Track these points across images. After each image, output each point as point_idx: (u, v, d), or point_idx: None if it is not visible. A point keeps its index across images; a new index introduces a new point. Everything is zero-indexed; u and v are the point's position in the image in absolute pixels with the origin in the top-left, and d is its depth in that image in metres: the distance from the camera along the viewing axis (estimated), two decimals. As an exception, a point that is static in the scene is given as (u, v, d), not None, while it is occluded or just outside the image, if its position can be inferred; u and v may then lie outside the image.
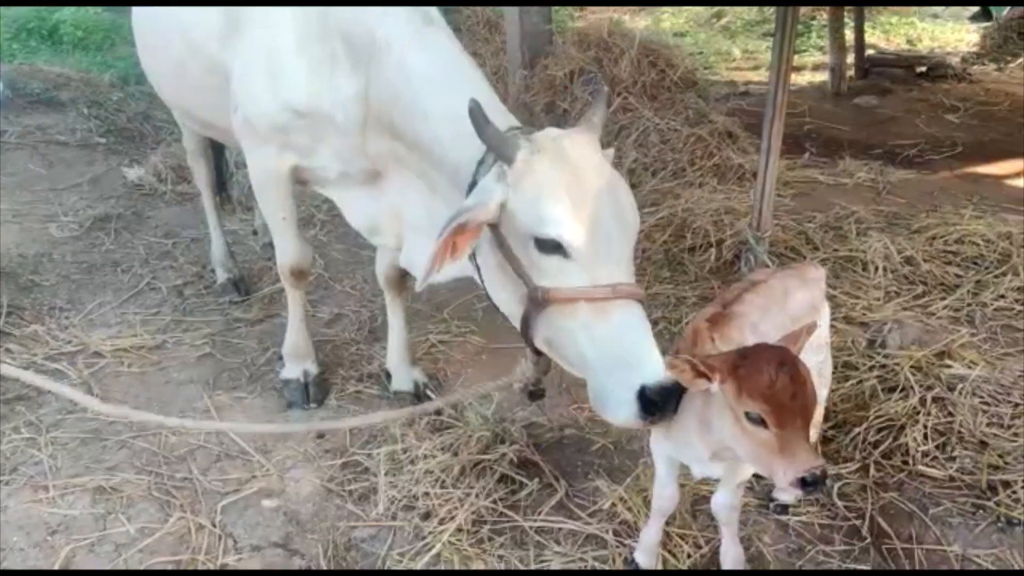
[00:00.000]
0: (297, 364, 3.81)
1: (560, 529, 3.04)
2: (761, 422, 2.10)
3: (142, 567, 2.87)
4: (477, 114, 2.41)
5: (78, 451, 3.43)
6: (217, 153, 4.97)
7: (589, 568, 2.87)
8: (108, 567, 2.88)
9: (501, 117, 2.66)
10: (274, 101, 3.02)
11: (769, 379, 2.08)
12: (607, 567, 2.86)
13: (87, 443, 3.48)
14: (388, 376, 3.87)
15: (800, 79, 9.78)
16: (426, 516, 3.08)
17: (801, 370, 2.12)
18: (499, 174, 2.46)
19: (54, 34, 9.99)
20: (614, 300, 2.36)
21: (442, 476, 3.18)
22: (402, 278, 3.68)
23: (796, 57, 11.39)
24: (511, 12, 7.18)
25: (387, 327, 4.28)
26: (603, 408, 2.41)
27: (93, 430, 3.56)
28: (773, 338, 2.46)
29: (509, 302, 2.59)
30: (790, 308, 2.78)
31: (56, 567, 2.86)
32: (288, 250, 3.52)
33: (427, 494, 3.13)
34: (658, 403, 2.29)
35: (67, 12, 10.21)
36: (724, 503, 2.71)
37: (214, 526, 3.06)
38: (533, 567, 2.89)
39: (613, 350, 2.36)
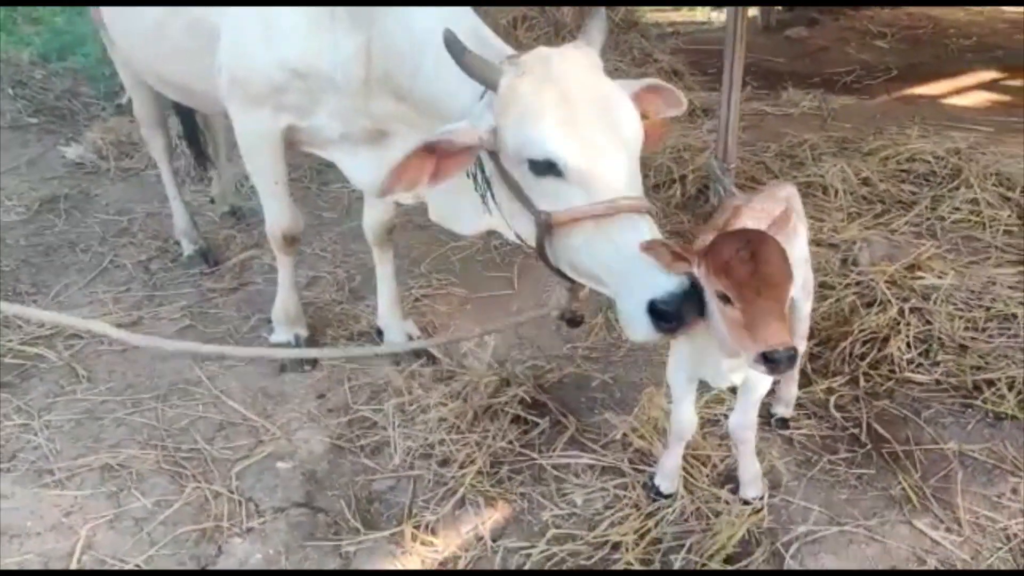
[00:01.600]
0: (288, 328, 3.77)
1: (577, 463, 3.11)
2: (727, 299, 2.19)
3: (167, 539, 2.84)
4: (452, 43, 2.37)
5: (75, 432, 3.35)
6: (189, 119, 4.84)
7: (611, 496, 2.95)
8: (132, 542, 2.84)
9: (500, 48, 2.63)
10: (270, 59, 2.95)
11: (729, 256, 2.18)
12: (629, 495, 2.93)
13: (83, 423, 3.41)
14: (379, 333, 3.86)
15: (723, 16, 9.87)
16: (444, 463, 3.11)
17: (767, 248, 2.20)
18: (488, 101, 2.43)
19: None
20: (616, 216, 2.31)
21: (456, 422, 3.21)
22: (389, 232, 3.66)
23: (717, -5, 11.55)
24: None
25: (367, 286, 4.30)
26: (625, 328, 2.39)
27: (86, 410, 3.48)
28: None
29: (527, 232, 2.55)
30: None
31: (79, 547, 2.81)
32: (280, 216, 3.47)
33: (443, 441, 3.16)
34: (671, 313, 2.26)
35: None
36: (740, 423, 2.81)
37: (232, 492, 3.04)
38: (557, 501, 2.95)
39: (619, 267, 2.33)
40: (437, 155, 2.43)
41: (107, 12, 3.78)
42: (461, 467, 3.06)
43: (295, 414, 3.45)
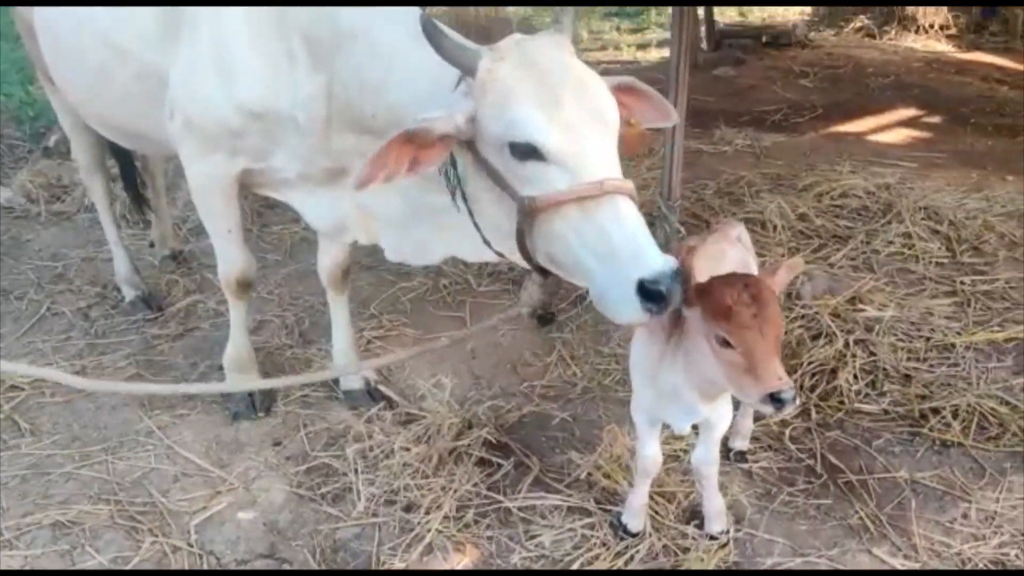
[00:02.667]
0: (240, 376, 3.70)
1: (543, 504, 3.11)
2: (727, 343, 2.24)
3: (127, 597, 2.76)
4: (431, 28, 2.36)
5: (22, 489, 3.24)
6: (127, 162, 4.74)
7: (579, 536, 2.96)
8: (89, 603, 2.75)
9: (469, 44, 2.57)
10: (227, 102, 2.92)
11: (731, 300, 2.23)
12: (597, 535, 2.95)
13: (28, 480, 3.29)
14: (335, 378, 3.82)
15: (648, 56, 10.14)
16: (408, 508, 3.09)
17: (764, 293, 2.26)
18: (465, 89, 2.42)
19: None
20: (602, 197, 2.29)
21: (421, 467, 3.18)
22: (344, 274, 3.63)
23: (639, 35, 11.80)
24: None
25: (317, 329, 4.27)
26: (607, 309, 2.34)
27: (31, 465, 3.36)
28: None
29: (502, 226, 2.50)
30: (725, 268, 2.93)
31: (33, 610, 2.71)
32: (234, 261, 3.42)
33: (407, 487, 3.13)
34: (660, 293, 2.23)
35: None
36: (703, 459, 2.86)
37: (191, 546, 2.97)
38: (525, 543, 2.95)
39: (606, 248, 2.30)
40: (415, 145, 2.39)
41: (49, 56, 3.69)
42: (427, 512, 3.04)
43: (252, 463, 3.38)
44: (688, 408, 2.60)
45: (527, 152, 2.31)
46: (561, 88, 2.33)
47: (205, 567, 2.88)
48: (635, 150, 2.73)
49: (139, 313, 4.52)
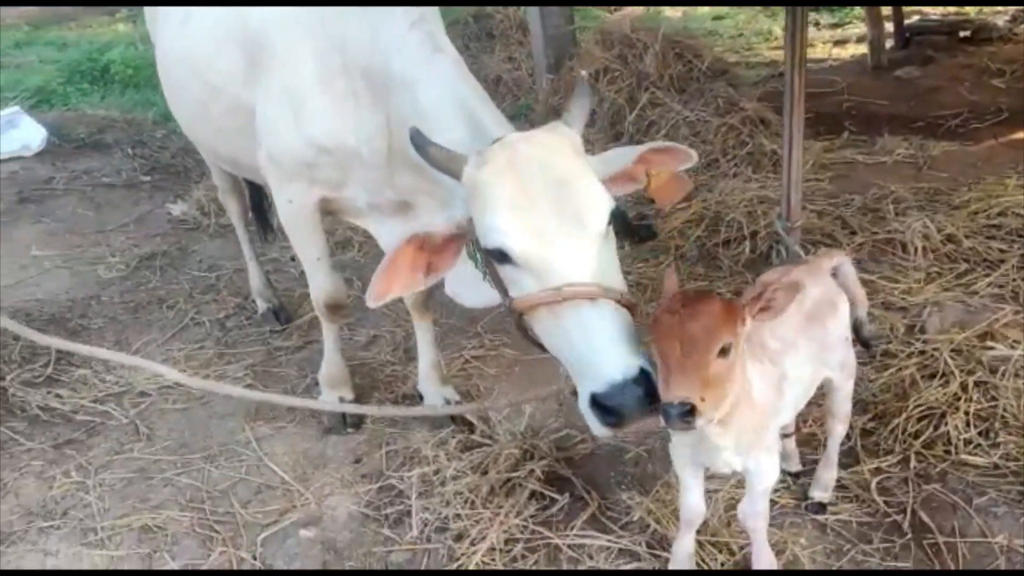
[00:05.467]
0: (333, 391, 3.87)
1: (593, 544, 3.03)
2: None
3: (186, 604, 2.95)
4: (418, 138, 2.43)
5: (125, 492, 3.53)
6: (253, 186, 5.05)
7: (622, 581, 2.87)
8: (154, 606, 2.96)
9: (491, 127, 2.63)
10: (299, 137, 3.09)
11: (659, 311, 2.17)
12: (640, 579, 2.85)
13: (133, 483, 3.58)
14: (421, 397, 3.91)
15: (844, 52, 9.56)
16: (459, 537, 3.09)
17: (702, 307, 2.13)
18: (461, 192, 2.47)
19: (105, 74, 10.10)
20: (564, 303, 2.26)
21: (471, 496, 3.19)
22: (427, 299, 3.70)
23: (839, 31, 11.15)
24: (533, 15, 7.18)
25: (422, 346, 4.34)
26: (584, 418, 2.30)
27: (140, 469, 3.66)
28: (793, 339, 2.60)
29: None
30: (804, 307, 2.71)
31: (104, 609, 2.95)
32: (322, 285, 3.58)
33: (458, 515, 3.15)
34: (612, 408, 2.16)
35: (116, 52, 10.38)
36: (749, 510, 2.69)
37: (255, 559, 3.13)
38: (566, 583, 2.89)
39: (568, 356, 2.31)
40: (427, 250, 2.46)
41: (167, 93, 4.02)
42: (473, 543, 3.04)
43: (329, 479, 3.52)
44: (712, 449, 2.46)
45: (501, 257, 2.33)
46: (537, 192, 2.30)
47: (262, 581, 3.03)
48: (672, 197, 2.64)
49: (268, 325, 4.81)
